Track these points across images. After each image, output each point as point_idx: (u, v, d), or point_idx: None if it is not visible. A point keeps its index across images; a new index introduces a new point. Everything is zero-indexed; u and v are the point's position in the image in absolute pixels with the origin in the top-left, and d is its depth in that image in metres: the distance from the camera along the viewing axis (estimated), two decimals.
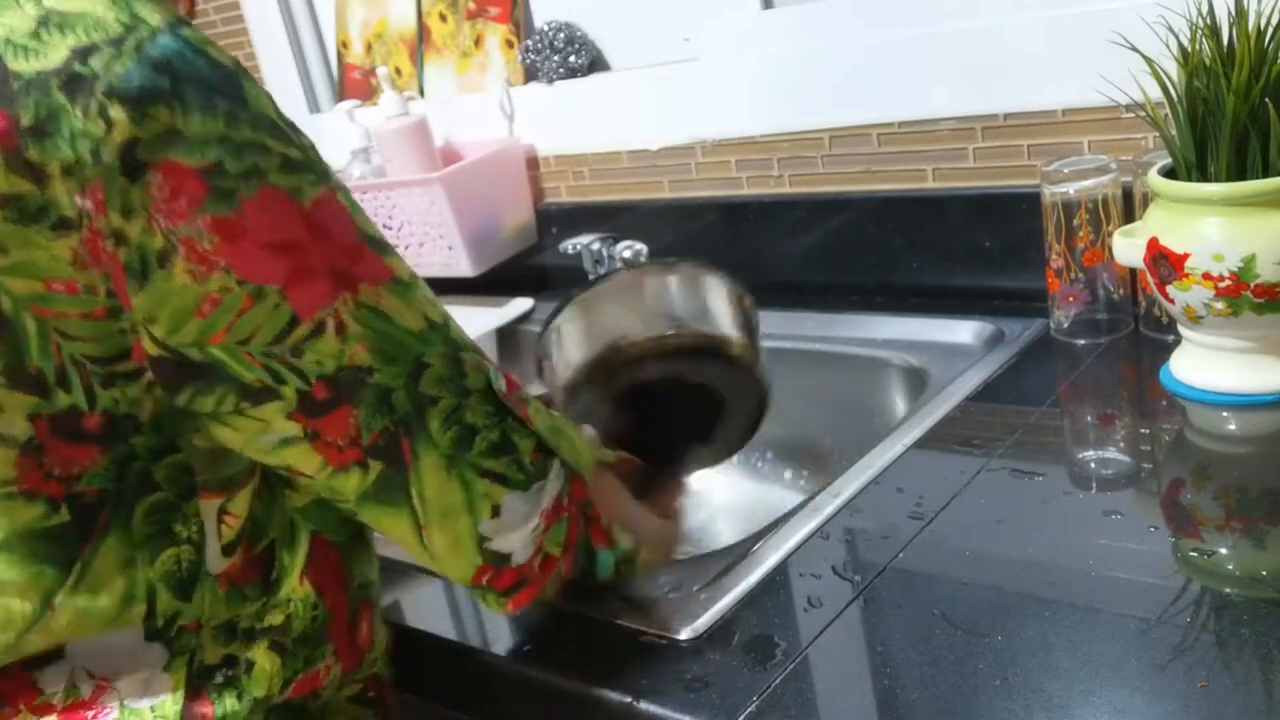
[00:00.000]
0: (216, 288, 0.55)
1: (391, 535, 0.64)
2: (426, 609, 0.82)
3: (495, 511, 0.62)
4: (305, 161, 0.57)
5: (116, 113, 0.52)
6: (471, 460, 0.61)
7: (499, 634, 0.76)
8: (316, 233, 0.57)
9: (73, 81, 0.52)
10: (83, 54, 0.53)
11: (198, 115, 0.53)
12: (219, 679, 0.64)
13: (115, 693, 0.62)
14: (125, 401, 0.58)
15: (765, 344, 1.22)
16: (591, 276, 1.29)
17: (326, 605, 0.67)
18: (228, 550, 0.63)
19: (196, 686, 0.63)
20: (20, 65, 0.53)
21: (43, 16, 0.54)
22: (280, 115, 0.58)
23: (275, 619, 0.66)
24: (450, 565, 0.64)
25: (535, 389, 0.77)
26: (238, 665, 0.64)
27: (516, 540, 0.64)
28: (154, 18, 0.55)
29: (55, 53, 0.53)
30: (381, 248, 0.60)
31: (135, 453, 0.60)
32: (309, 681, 0.67)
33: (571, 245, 1.29)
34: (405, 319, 0.60)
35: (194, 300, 0.55)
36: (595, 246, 1.27)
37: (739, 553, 0.78)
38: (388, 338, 0.59)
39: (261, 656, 0.65)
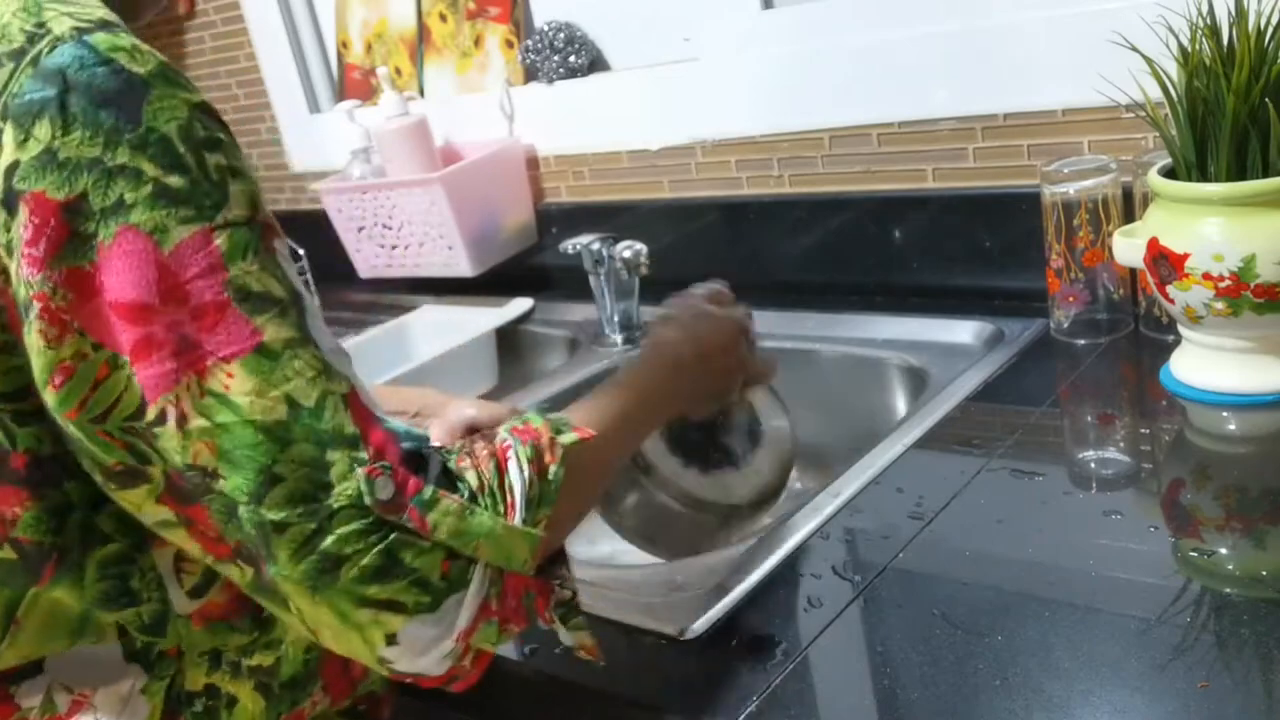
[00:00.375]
0: (70, 354, 0.49)
1: (296, 630, 0.58)
2: None
3: (391, 640, 0.52)
4: (184, 192, 0.50)
5: (6, 134, 0.49)
6: (342, 589, 0.50)
7: None
8: (169, 289, 0.49)
9: None
10: None
11: (78, 132, 0.48)
12: (198, 707, 0.61)
13: (92, 709, 0.59)
14: (49, 441, 0.54)
15: (766, 344, 1.22)
16: (591, 277, 1.29)
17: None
18: (195, 593, 0.59)
19: (173, 711, 0.60)
20: None
21: None
22: (184, 134, 0.50)
23: (265, 660, 0.62)
24: (369, 671, 0.59)
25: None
26: (219, 697, 0.62)
27: (426, 663, 0.54)
28: (61, 24, 0.50)
29: None
30: (259, 305, 0.50)
31: (71, 502, 0.55)
32: (295, 717, 0.65)
33: (571, 245, 1.29)
34: (256, 408, 0.49)
35: (48, 366, 0.50)
36: (595, 246, 1.27)
37: (739, 553, 0.78)
38: (232, 437, 0.49)
39: (245, 695, 0.62)
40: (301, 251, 1.66)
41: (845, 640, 0.67)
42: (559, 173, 1.47)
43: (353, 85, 1.70)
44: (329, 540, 0.50)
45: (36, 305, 0.49)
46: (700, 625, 0.70)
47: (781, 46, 1.22)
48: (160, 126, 0.49)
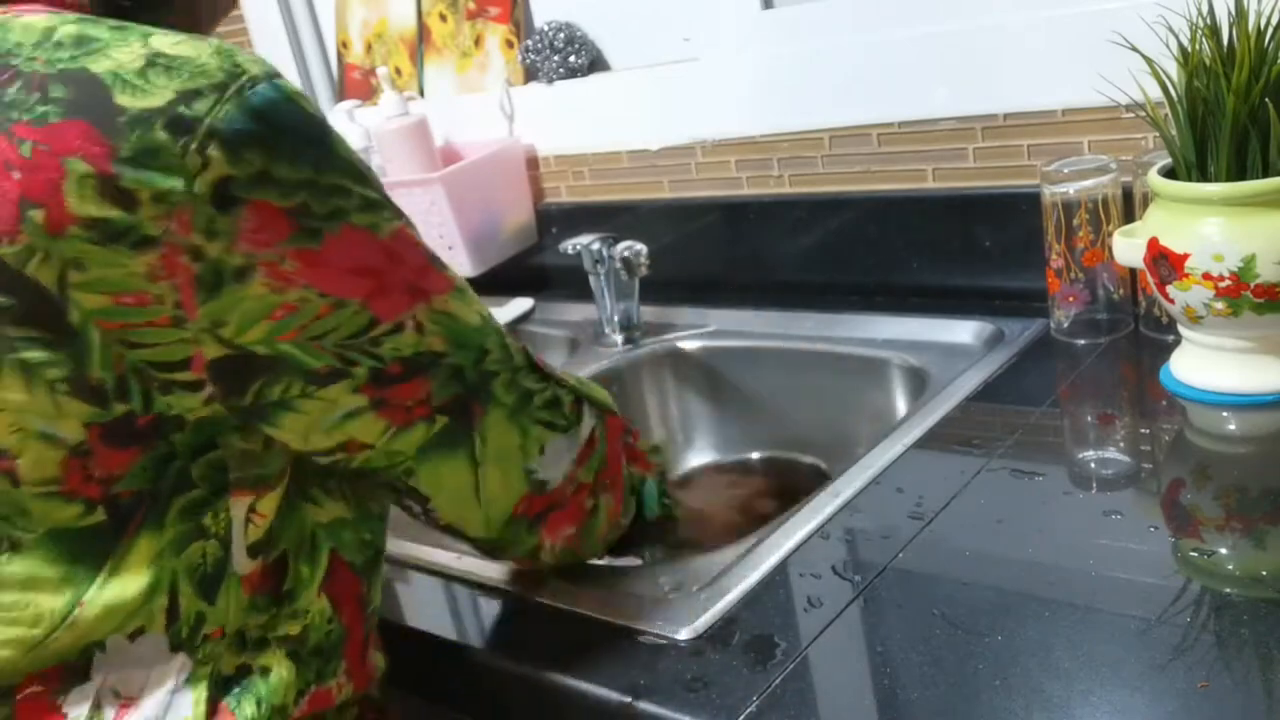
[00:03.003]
0: (295, 298, 0.60)
1: (444, 482, 0.69)
2: (426, 609, 0.82)
3: (542, 450, 0.71)
4: (381, 201, 0.63)
5: (214, 152, 0.56)
6: (531, 412, 0.71)
7: (499, 634, 0.77)
8: (393, 258, 0.63)
9: (176, 121, 0.55)
10: (188, 97, 0.56)
11: (287, 162, 0.58)
12: (236, 689, 0.65)
13: (139, 712, 0.63)
14: (179, 407, 0.61)
15: (766, 344, 1.23)
16: (591, 277, 1.30)
17: (343, 622, 0.69)
18: (253, 551, 0.65)
19: (214, 699, 0.64)
20: (126, 100, 0.56)
21: (151, 56, 0.57)
22: (359, 160, 0.63)
23: (292, 629, 0.67)
24: (497, 500, 0.70)
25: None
26: (253, 674, 0.65)
27: (555, 471, 0.72)
28: (255, 68, 0.59)
29: (161, 93, 0.56)
30: (441, 265, 0.68)
31: (175, 451, 0.62)
32: (322, 697, 0.68)
33: (571, 245, 1.29)
34: (467, 317, 0.68)
35: (268, 307, 0.59)
36: (595, 246, 1.27)
37: (739, 553, 0.78)
38: (457, 333, 0.67)
39: (278, 664, 0.66)
40: None
41: (845, 640, 0.67)
42: (559, 173, 1.47)
43: (353, 85, 1.70)
44: (524, 382, 0.71)
45: (263, 269, 0.58)
46: (700, 625, 0.70)
47: (781, 46, 1.22)
48: (346, 156, 0.62)
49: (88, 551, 0.61)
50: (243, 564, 0.65)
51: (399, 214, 0.65)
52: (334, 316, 0.61)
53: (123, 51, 0.57)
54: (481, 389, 0.69)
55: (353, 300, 0.62)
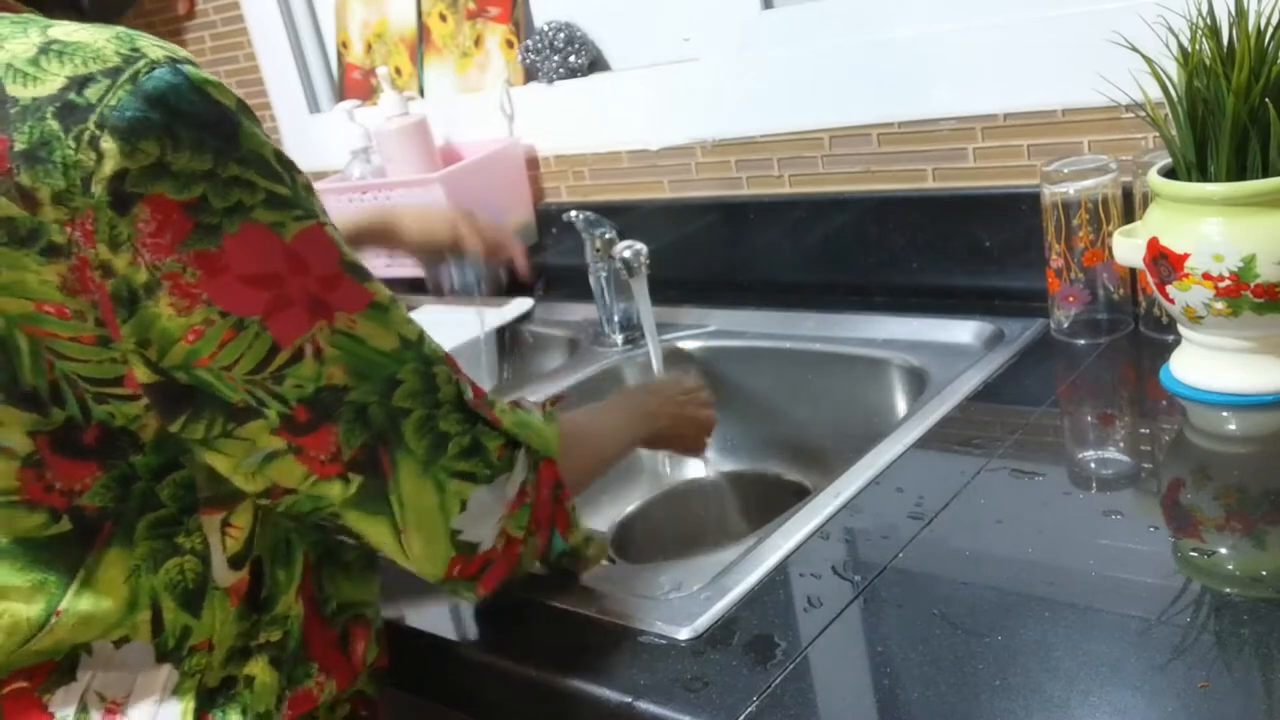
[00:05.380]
0: (199, 319, 0.57)
1: (372, 541, 0.65)
2: (426, 610, 0.82)
3: (464, 506, 0.65)
4: (292, 198, 0.59)
5: (107, 144, 0.53)
6: (444, 464, 0.64)
7: (499, 634, 0.76)
8: (295, 265, 0.59)
9: (66, 109, 0.53)
10: (79, 83, 0.54)
11: (187, 151, 0.55)
12: (221, 700, 0.65)
13: (125, 717, 0.63)
14: (121, 416, 0.60)
15: (766, 344, 1.22)
16: (591, 277, 1.29)
17: (300, 623, 0.68)
18: (235, 562, 0.65)
19: (201, 711, 0.64)
20: (18, 90, 0.54)
21: (45, 44, 0.55)
22: (277, 155, 0.59)
23: (274, 635, 0.67)
24: (425, 564, 0.66)
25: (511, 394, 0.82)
26: (238, 684, 0.65)
27: (484, 530, 0.66)
28: (155, 51, 0.56)
29: (53, 80, 0.54)
30: (363, 275, 0.62)
31: (137, 473, 0.61)
32: (305, 699, 0.68)
33: (569, 215, 1.27)
34: (379, 341, 0.62)
35: (180, 328, 0.57)
36: (597, 231, 1.26)
37: (739, 553, 0.78)
38: (361, 359, 0.61)
39: (261, 671, 0.66)
40: None
41: (845, 640, 0.67)
42: (559, 173, 1.47)
43: (353, 85, 1.70)
44: (441, 424, 0.64)
45: (166, 284, 0.56)
46: (700, 625, 0.70)
47: (781, 47, 1.22)
48: (255, 148, 0.58)
49: (58, 559, 0.61)
50: (225, 576, 0.64)
51: (313, 214, 0.60)
52: (237, 342, 0.58)
53: (18, 43, 0.55)
54: (390, 432, 0.62)
55: (252, 320, 0.58)
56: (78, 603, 0.61)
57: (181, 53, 0.58)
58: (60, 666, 0.63)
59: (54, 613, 0.61)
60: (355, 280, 0.61)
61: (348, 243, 0.63)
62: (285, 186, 0.59)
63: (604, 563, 0.80)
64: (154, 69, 0.55)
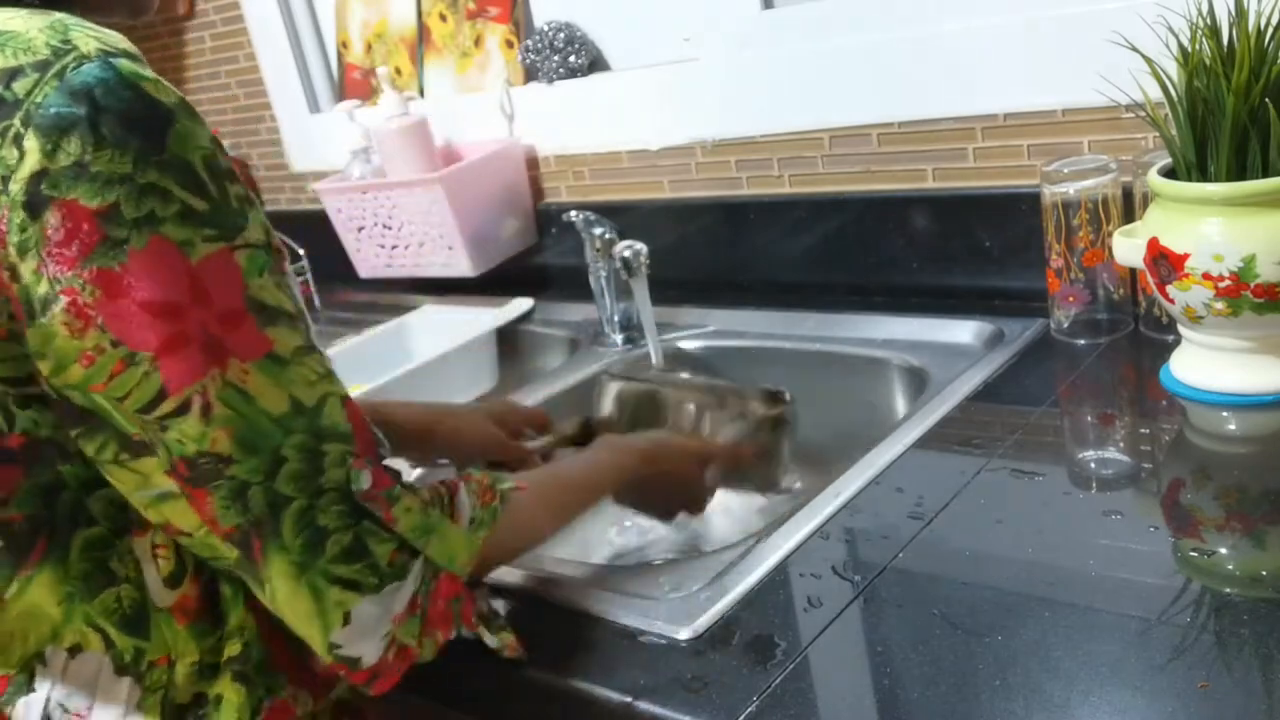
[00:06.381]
0: (91, 345, 0.54)
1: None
2: None
3: (346, 619, 0.58)
4: (208, 215, 0.55)
5: (30, 141, 0.52)
6: (321, 567, 0.57)
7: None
8: (198, 294, 0.55)
9: None
10: (8, 76, 0.53)
11: (108, 150, 0.52)
12: (190, 718, 0.64)
13: None
14: (45, 425, 0.58)
15: (766, 344, 1.22)
16: (591, 277, 1.29)
17: (261, 634, 0.66)
18: (171, 582, 0.63)
19: None
20: None
21: None
22: (208, 163, 0.55)
23: (234, 649, 0.65)
24: (314, 657, 0.62)
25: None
26: (207, 703, 0.64)
27: (366, 645, 0.60)
28: (88, 44, 0.54)
29: None
30: (270, 317, 0.57)
31: (64, 482, 0.59)
32: (280, 711, 0.66)
33: (568, 215, 1.28)
34: (269, 401, 0.56)
35: (74, 350, 0.55)
36: (596, 230, 1.26)
37: (739, 553, 0.78)
38: (249, 424, 0.56)
39: (227, 689, 0.64)
40: (301, 251, 1.66)
41: (845, 640, 0.67)
42: (559, 173, 1.47)
43: (353, 85, 1.70)
44: (320, 517, 0.57)
45: (64, 299, 0.53)
46: (700, 625, 0.70)
47: (781, 46, 1.22)
48: (183, 153, 0.54)
49: None
50: (163, 597, 0.63)
51: (228, 237, 0.55)
52: (126, 376, 0.54)
53: None
54: (266, 523, 0.56)
55: (144, 357, 0.54)
56: (21, 599, 0.60)
57: (119, 44, 0.55)
58: (18, 682, 0.62)
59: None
60: (257, 323, 0.56)
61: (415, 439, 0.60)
62: (204, 200, 0.55)
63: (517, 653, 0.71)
64: (83, 63, 0.53)
